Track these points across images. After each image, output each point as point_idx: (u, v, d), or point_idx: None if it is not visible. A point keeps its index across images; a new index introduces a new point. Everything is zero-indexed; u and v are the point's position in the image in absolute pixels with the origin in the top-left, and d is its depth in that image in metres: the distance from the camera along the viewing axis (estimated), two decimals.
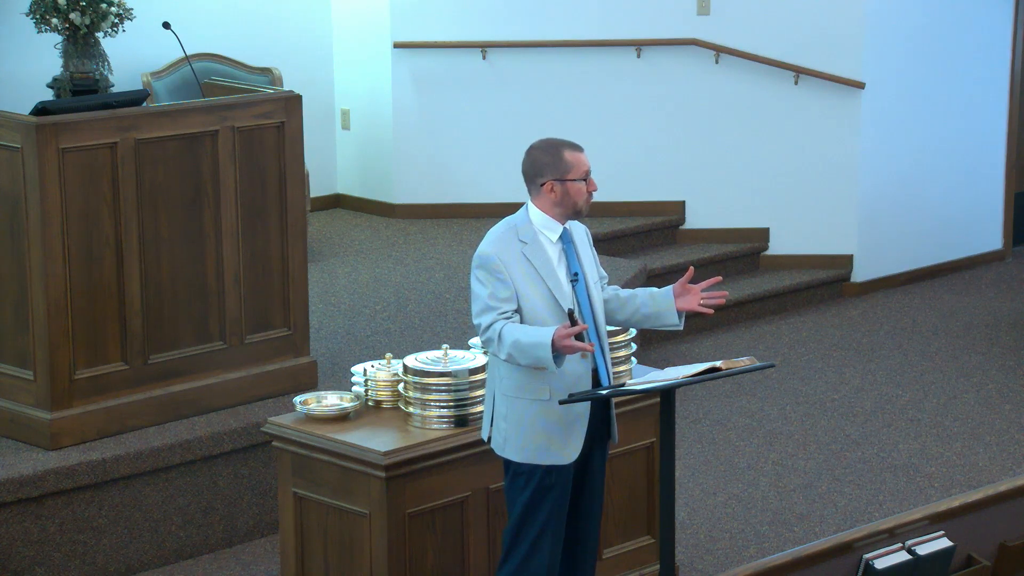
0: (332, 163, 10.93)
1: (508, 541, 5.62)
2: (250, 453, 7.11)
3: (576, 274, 5.55)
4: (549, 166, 5.51)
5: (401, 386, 6.11)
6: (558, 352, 5.35)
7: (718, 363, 5.61)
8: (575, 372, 5.52)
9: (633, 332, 6.42)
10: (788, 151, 10.54)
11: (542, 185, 5.51)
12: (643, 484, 6.58)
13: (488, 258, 5.49)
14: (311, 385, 7.42)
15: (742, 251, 10.57)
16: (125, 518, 6.82)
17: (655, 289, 5.71)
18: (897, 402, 8.86)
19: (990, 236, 11.45)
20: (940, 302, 10.57)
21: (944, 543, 4.92)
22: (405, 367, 6.07)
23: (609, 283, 5.83)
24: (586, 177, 5.54)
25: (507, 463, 5.61)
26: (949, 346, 9.74)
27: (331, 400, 6.18)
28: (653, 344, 9.67)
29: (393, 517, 5.82)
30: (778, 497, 7.66)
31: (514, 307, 5.47)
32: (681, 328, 5.73)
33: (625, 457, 6.50)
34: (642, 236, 10.48)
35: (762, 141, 10.53)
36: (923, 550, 4.86)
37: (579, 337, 5.42)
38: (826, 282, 10.60)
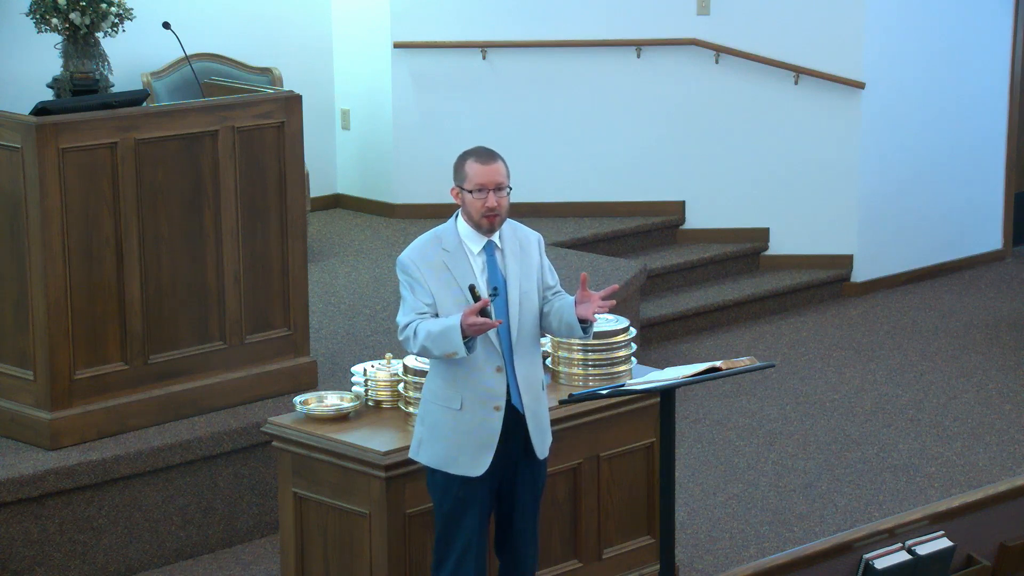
0: (332, 163, 10.93)
1: (435, 556, 5.59)
2: (250, 453, 7.11)
3: (495, 288, 5.41)
4: (456, 172, 5.40)
5: (401, 386, 6.11)
6: (469, 337, 5.26)
7: (718, 363, 5.61)
8: (488, 385, 5.42)
9: (633, 332, 6.42)
10: (788, 151, 10.53)
11: (452, 190, 5.44)
12: (643, 484, 6.58)
13: (405, 265, 5.43)
14: (311, 385, 7.42)
15: (742, 251, 10.57)
16: (125, 518, 6.82)
17: (572, 299, 5.52)
18: (897, 402, 8.86)
19: (990, 236, 11.44)
20: (940, 302, 10.57)
21: (944, 543, 4.92)
22: (405, 367, 6.07)
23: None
24: (481, 191, 5.30)
25: (426, 473, 5.59)
26: (949, 346, 9.74)
27: (331, 400, 6.18)
28: (653, 344, 9.67)
29: (393, 517, 5.82)
30: (778, 497, 7.65)
31: (434, 311, 5.40)
32: (588, 338, 5.56)
33: (625, 457, 6.50)
34: (642, 236, 10.47)
35: (762, 141, 10.52)
36: (923, 550, 4.86)
37: (485, 314, 5.26)
38: (826, 282, 10.59)
